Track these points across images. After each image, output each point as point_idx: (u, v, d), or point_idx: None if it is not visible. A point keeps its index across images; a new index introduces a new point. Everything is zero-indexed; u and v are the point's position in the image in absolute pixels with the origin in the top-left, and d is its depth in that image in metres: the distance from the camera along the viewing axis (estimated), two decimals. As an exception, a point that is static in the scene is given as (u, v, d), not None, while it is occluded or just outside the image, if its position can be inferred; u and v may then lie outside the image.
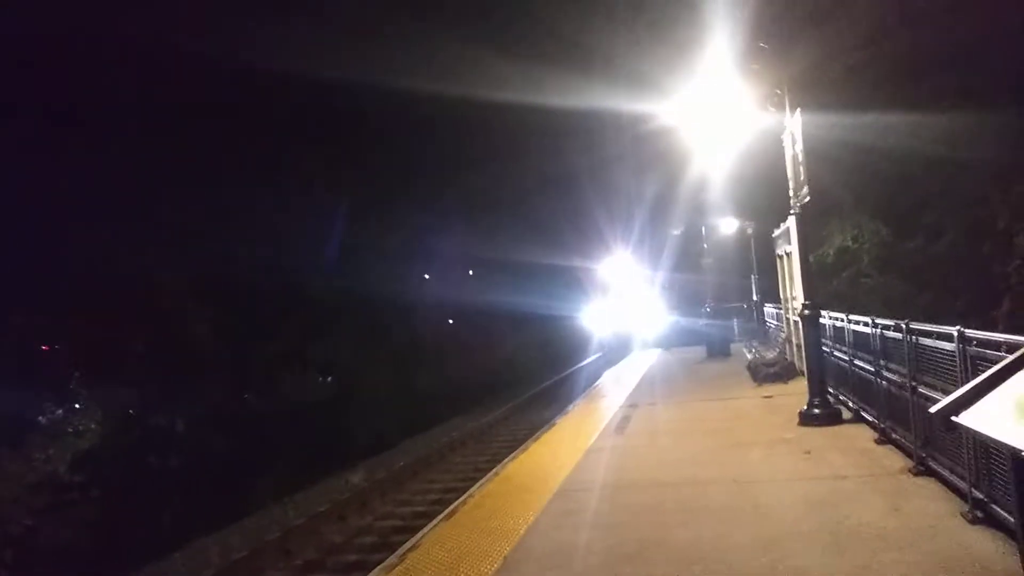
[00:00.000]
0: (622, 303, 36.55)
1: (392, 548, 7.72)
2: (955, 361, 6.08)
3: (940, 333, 6.56)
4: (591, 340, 39.53)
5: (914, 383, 7.38)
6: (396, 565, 6.12)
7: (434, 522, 7.27)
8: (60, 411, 15.78)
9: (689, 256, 31.32)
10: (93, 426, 15.57)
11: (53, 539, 12.55)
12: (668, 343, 29.06)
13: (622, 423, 12.09)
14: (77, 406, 15.91)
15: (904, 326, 7.61)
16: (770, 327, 23.35)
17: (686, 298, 32.14)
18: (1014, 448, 2.99)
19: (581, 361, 35.36)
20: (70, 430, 15.33)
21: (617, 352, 32.42)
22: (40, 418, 15.39)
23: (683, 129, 13.88)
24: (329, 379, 24.20)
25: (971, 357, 5.76)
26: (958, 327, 6.03)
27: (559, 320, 41.81)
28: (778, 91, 10.54)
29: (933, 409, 3.80)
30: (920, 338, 7.21)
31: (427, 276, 35.55)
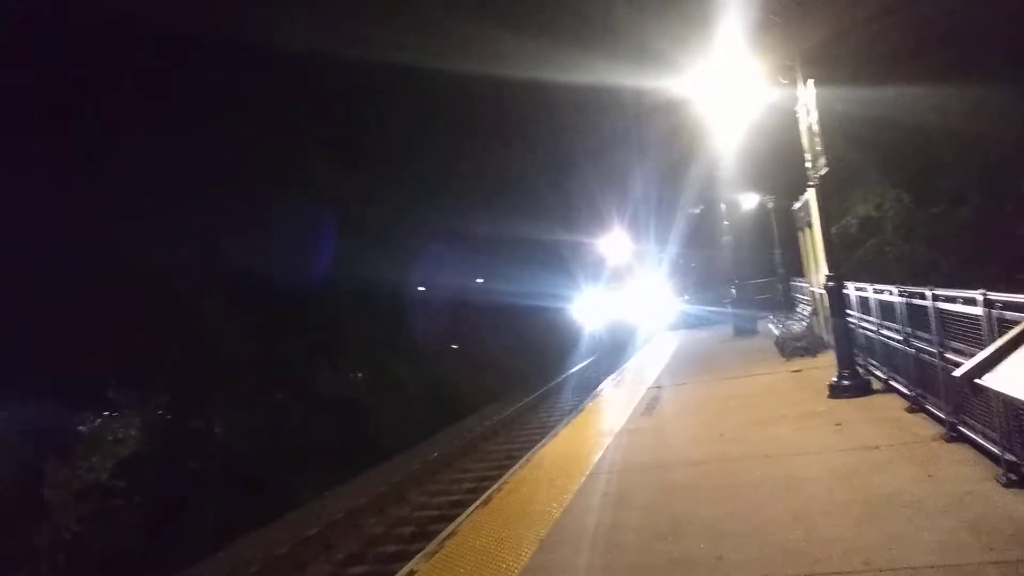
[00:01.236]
0: (630, 286, 34.98)
1: (430, 537, 7.86)
2: (981, 325, 6.07)
3: (965, 298, 6.54)
4: (580, 336, 35.92)
5: (942, 349, 7.37)
6: (435, 552, 6.24)
7: (470, 509, 7.39)
8: (99, 420, 16.15)
9: (709, 234, 31.04)
10: (133, 432, 15.93)
11: (100, 544, 12.89)
12: (694, 323, 28.98)
13: (652, 403, 12.14)
14: (116, 414, 16.28)
15: (929, 293, 7.59)
16: (797, 301, 23.22)
17: (709, 276, 31.96)
18: (1038, 408, 3.02)
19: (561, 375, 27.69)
20: (110, 438, 15.69)
21: (614, 355, 28.49)
22: (81, 427, 15.77)
23: (698, 104, 13.81)
24: (359, 375, 24.46)
25: (997, 320, 5.75)
26: (982, 291, 6.02)
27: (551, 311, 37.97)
28: (791, 63, 10.48)
29: (957, 372, 3.83)
30: (946, 304, 7.19)
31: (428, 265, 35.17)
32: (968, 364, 3.77)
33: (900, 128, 20.00)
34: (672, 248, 34.73)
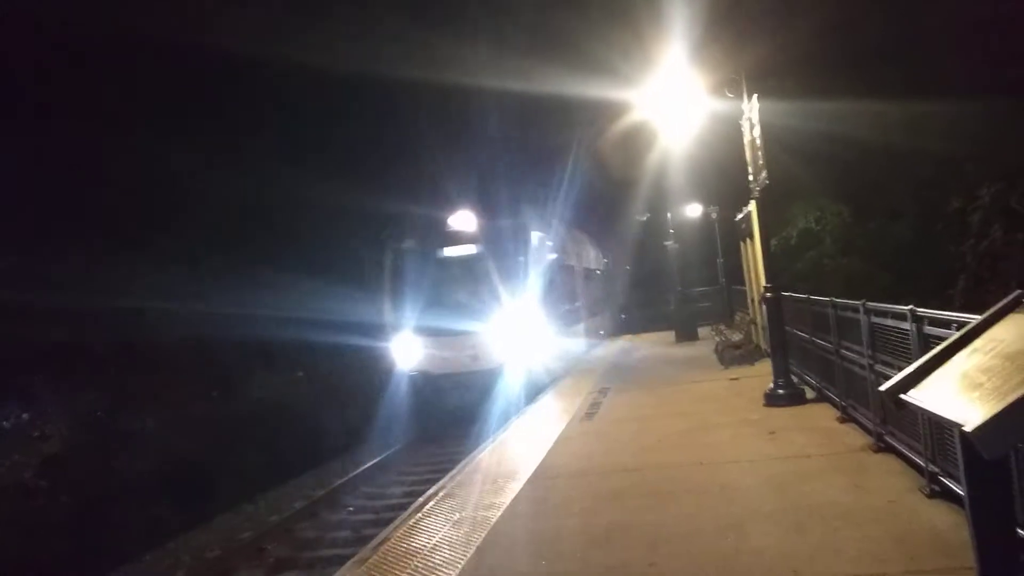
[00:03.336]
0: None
1: (365, 541, 7.73)
2: (909, 340, 6.25)
3: (895, 312, 6.73)
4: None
5: (872, 362, 7.56)
6: (368, 558, 6.15)
7: (405, 513, 7.30)
8: (25, 415, 15.44)
9: (655, 242, 31.33)
10: (59, 430, 15.27)
11: (19, 545, 12.35)
12: (637, 328, 29.31)
13: (592, 409, 12.21)
14: (41, 410, 15.57)
15: (861, 306, 7.79)
16: (737, 310, 23.67)
17: (652, 283, 32.32)
18: (956, 423, 3.09)
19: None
20: (36, 435, 15.03)
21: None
22: (3, 423, 15.07)
23: (645, 116, 13.97)
24: (300, 374, 23.80)
25: (925, 336, 5.92)
26: (911, 306, 6.20)
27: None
28: (736, 77, 10.66)
29: (883, 387, 3.91)
30: (877, 317, 7.39)
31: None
32: (893, 380, 3.85)
33: (840, 143, 20.58)
34: (617, 255, 33.77)
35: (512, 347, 15.34)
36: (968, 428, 2.93)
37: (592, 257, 27.60)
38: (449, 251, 16.19)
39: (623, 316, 31.04)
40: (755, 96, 10.38)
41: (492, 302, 15.63)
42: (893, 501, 6.03)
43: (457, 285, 16.12)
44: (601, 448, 9.37)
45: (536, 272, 16.14)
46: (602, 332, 27.79)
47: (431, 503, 7.65)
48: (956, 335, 3.90)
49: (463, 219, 16.27)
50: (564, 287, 19.37)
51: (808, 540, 5.44)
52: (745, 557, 5.29)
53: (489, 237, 16.09)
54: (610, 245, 33.05)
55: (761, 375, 12.63)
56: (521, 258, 16.12)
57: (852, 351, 8.44)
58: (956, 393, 3.43)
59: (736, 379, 13.66)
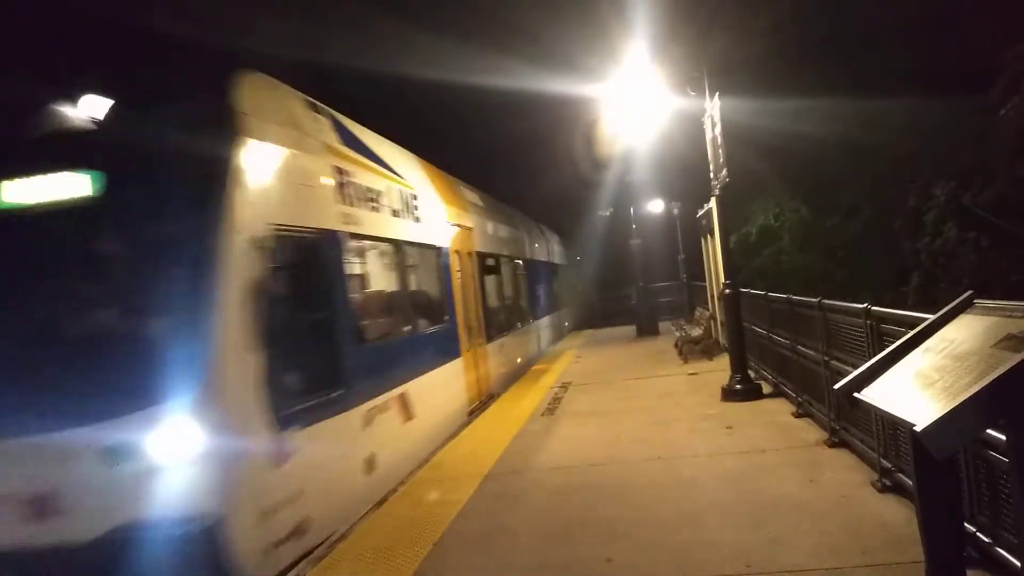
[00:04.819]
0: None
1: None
2: (864, 337, 6.35)
3: (849, 310, 6.83)
4: None
5: (827, 358, 7.68)
6: (324, 557, 6.06)
7: (363, 512, 7.21)
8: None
9: (618, 237, 31.46)
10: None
11: None
12: (599, 323, 29.45)
13: (553, 404, 12.22)
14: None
15: (817, 303, 7.90)
16: (697, 305, 23.93)
17: (615, 278, 32.48)
18: (908, 423, 3.14)
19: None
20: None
21: None
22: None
23: (608, 111, 14.01)
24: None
25: (878, 334, 6.02)
26: (866, 304, 6.30)
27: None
28: (697, 73, 10.74)
29: (837, 386, 3.97)
30: (833, 315, 7.50)
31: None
32: (848, 378, 3.91)
33: (800, 139, 20.86)
34: (583, 250, 33.68)
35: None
36: (919, 428, 2.97)
37: (555, 251, 27.53)
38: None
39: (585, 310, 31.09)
40: (716, 94, 10.46)
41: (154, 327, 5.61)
42: (846, 496, 6.13)
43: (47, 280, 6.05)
44: (561, 443, 9.38)
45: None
46: (566, 325, 27.86)
47: (390, 501, 7.58)
48: (909, 335, 3.97)
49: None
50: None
51: (763, 533, 5.51)
52: (701, 550, 5.33)
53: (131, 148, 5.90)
54: (577, 240, 33.13)
55: (720, 370, 12.76)
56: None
57: (808, 347, 8.56)
58: (908, 392, 3.49)
59: (695, 374, 13.79)
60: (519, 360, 17.30)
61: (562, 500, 6.95)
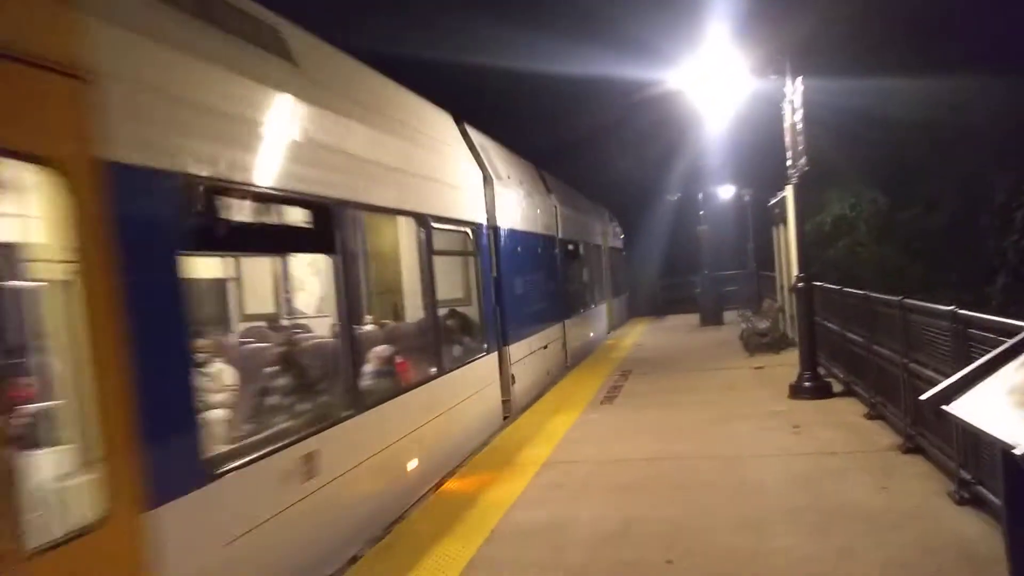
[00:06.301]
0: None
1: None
2: (948, 341, 6.00)
3: (934, 311, 6.47)
4: None
5: (906, 360, 7.31)
6: (381, 538, 6.07)
7: (420, 495, 7.21)
8: None
9: (685, 222, 30.75)
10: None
11: None
12: (662, 310, 28.98)
13: (611, 394, 12.05)
14: None
15: (898, 302, 7.53)
16: (765, 296, 23.34)
17: (679, 265, 31.85)
18: (1006, 444, 2.89)
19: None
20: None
21: None
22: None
23: (685, 94, 13.58)
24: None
25: (965, 339, 5.67)
26: (952, 307, 5.94)
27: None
28: (779, 57, 10.30)
29: (924, 396, 3.70)
30: (914, 315, 7.13)
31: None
32: (935, 389, 3.64)
33: (880, 126, 20.00)
34: (646, 235, 32.77)
35: None
36: (1019, 451, 2.73)
37: (617, 236, 27.04)
38: None
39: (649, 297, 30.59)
40: (799, 79, 10.02)
41: None
42: (920, 506, 5.84)
43: None
44: (618, 435, 9.22)
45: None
46: (627, 312, 27.53)
47: (447, 484, 7.57)
48: (1005, 345, 3.67)
49: None
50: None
51: (831, 542, 5.27)
52: (764, 557, 5.13)
53: None
54: (641, 224, 32.60)
55: (787, 365, 12.37)
56: None
57: (885, 347, 8.18)
58: (1004, 410, 3.22)
59: (761, 368, 13.41)
60: (591, 335, 18.32)
61: (619, 495, 6.80)
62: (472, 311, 10.19)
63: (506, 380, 10.72)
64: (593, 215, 22.32)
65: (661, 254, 33.66)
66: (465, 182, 9.89)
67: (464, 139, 10.56)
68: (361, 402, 6.23)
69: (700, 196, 25.90)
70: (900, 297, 7.56)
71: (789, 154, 10.51)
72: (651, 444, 8.60)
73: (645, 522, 6.00)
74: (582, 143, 31.05)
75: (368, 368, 7.00)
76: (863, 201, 23.94)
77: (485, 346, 9.95)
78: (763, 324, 16.74)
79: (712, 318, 23.10)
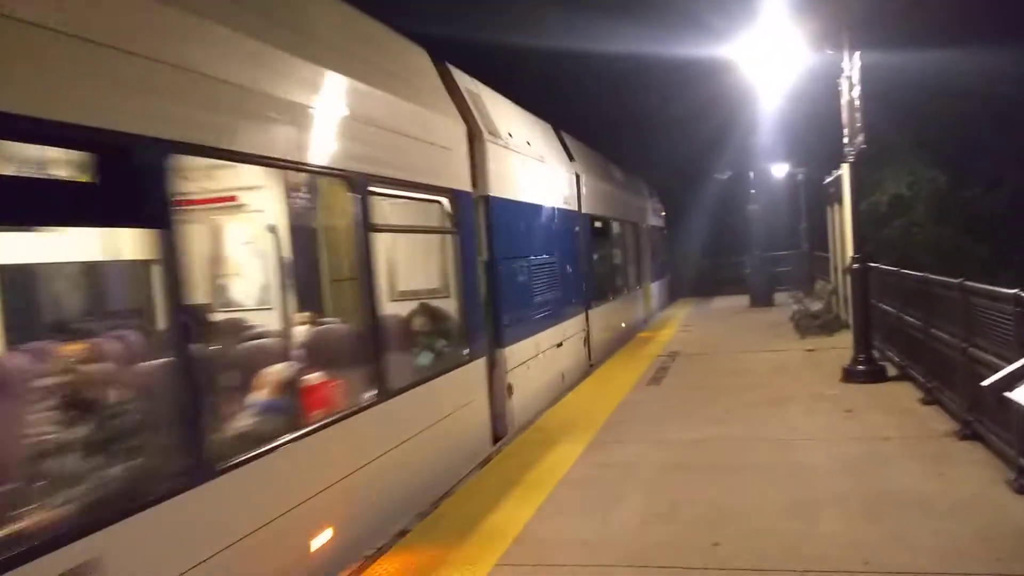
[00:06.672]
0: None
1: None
2: (1011, 325, 5.81)
3: (997, 294, 6.26)
4: None
5: (965, 344, 7.11)
6: (429, 513, 6.15)
7: (468, 470, 7.29)
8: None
9: (735, 201, 30.16)
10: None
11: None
12: (710, 290, 28.61)
13: (659, 373, 11.98)
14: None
15: (958, 284, 7.31)
16: (817, 277, 22.87)
17: (727, 244, 31.32)
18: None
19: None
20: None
21: None
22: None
23: (738, 69, 13.27)
24: None
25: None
26: (1017, 290, 5.73)
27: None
28: (837, 29, 10.00)
29: (986, 383, 3.61)
30: (975, 298, 6.92)
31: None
32: (997, 376, 3.54)
33: (940, 103, 19.32)
34: (693, 214, 32.13)
35: None
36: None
37: (662, 214, 26.20)
38: None
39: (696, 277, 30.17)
40: (857, 54, 9.72)
41: None
42: (977, 494, 5.69)
43: None
44: (666, 415, 9.16)
45: None
46: (675, 291, 27.22)
47: (495, 460, 7.63)
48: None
49: None
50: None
51: (882, 528, 5.18)
52: (814, 542, 5.06)
53: None
54: (690, 203, 32.11)
55: (839, 347, 12.14)
56: None
57: (943, 331, 7.96)
58: (1072, 397, 3.11)
59: (812, 350, 13.18)
60: (623, 325, 16.65)
61: (667, 476, 6.78)
62: (451, 305, 7.89)
63: (500, 392, 8.57)
64: (629, 189, 20.06)
65: (709, 234, 33.15)
66: (438, 135, 7.50)
67: (443, 82, 8.30)
68: (207, 461, 3.97)
69: (751, 175, 25.37)
70: (960, 279, 7.33)
71: (846, 131, 10.22)
72: (698, 425, 8.51)
73: (692, 503, 5.96)
74: (630, 121, 30.74)
75: (235, 403, 5.05)
76: (921, 180, 23.22)
77: (467, 351, 7.75)
78: (816, 306, 16.43)
79: (762, 299, 22.72)
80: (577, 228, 13.05)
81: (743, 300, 23.65)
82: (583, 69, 29.38)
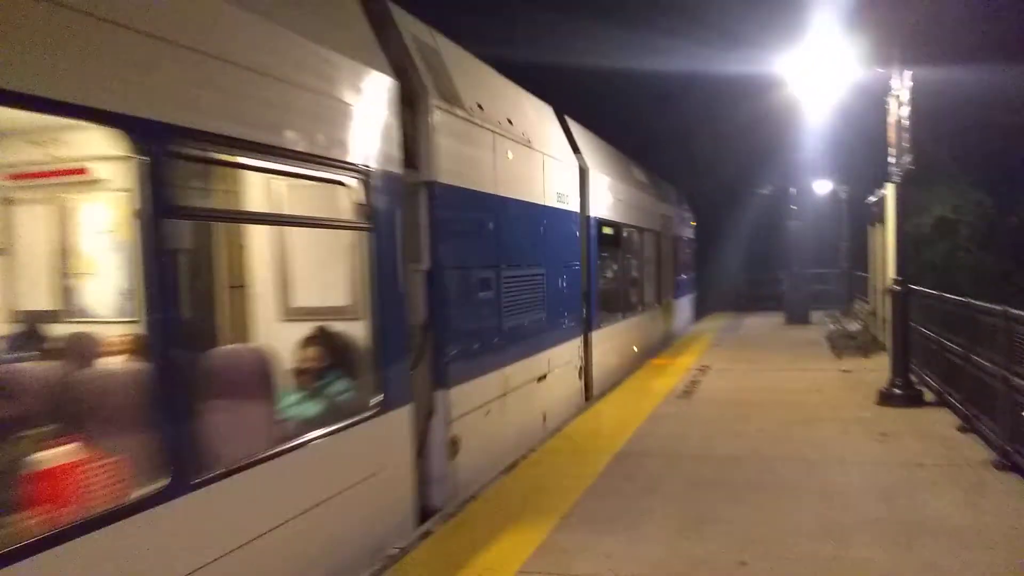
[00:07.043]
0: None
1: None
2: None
3: (1043, 324, 6.12)
4: None
5: (1007, 373, 6.95)
6: (454, 515, 6.17)
7: (494, 476, 7.29)
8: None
9: (771, 217, 29.79)
10: None
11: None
12: (745, 305, 28.31)
13: (690, 387, 11.88)
14: None
15: (1001, 311, 7.16)
16: (856, 297, 22.49)
17: (764, 260, 30.97)
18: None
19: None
20: None
21: None
22: None
23: (786, 86, 13.15)
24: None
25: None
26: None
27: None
28: (888, 48, 9.86)
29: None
30: (1019, 326, 6.77)
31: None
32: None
33: (989, 125, 18.91)
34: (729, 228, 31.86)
35: None
36: None
37: (686, 220, 24.95)
38: None
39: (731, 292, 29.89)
40: (908, 73, 9.58)
41: None
42: (1016, 527, 5.56)
43: None
44: (696, 430, 9.08)
45: None
46: (708, 306, 26.93)
47: (520, 466, 7.63)
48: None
49: None
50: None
51: (915, 558, 5.08)
52: (844, 567, 4.98)
53: None
54: (727, 216, 31.83)
55: (876, 370, 11.93)
56: None
57: (984, 358, 7.79)
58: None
59: (849, 371, 12.97)
60: (635, 349, 14.77)
61: (695, 491, 6.71)
62: (362, 330, 5.49)
63: (437, 451, 6.45)
64: (652, 193, 17.54)
65: (747, 249, 32.81)
66: (343, 89, 5.17)
67: (369, 19, 5.87)
68: None
69: (793, 191, 25.03)
70: (1003, 307, 7.18)
71: (892, 151, 10.07)
72: (729, 442, 8.42)
73: (721, 520, 5.90)
74: (672, 134, 30.66)
75: None
76: (968, 203, 22.75)
77: (381, 397, 5.41)
78: (853, 326, 16.17)
79: (798, 317, 22.41)
80: (579, 233, 11.13)
81: (778, 317, 23.36)
82: (636, 87, 29.53)
